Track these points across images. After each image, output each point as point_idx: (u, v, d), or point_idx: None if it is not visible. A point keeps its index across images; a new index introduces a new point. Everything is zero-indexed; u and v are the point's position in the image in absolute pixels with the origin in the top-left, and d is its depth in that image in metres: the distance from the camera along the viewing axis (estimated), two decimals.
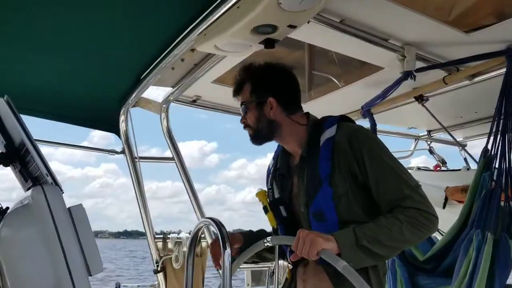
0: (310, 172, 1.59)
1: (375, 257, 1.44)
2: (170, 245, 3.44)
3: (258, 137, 1.70)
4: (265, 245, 1.56)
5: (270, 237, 1.55)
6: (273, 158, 1.84)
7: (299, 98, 1.76)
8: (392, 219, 1.44)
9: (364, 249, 1.40)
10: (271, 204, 1.71)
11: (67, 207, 1.14)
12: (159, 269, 3.36)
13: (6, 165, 1.30)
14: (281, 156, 1.79)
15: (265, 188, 1.78)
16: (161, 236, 3.44)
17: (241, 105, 1.71)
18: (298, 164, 1.67)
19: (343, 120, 1.65)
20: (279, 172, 1.75)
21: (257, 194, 1.75)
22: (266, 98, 1.66)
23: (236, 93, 1.74)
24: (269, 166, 1.87)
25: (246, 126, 1.71)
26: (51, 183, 1.15)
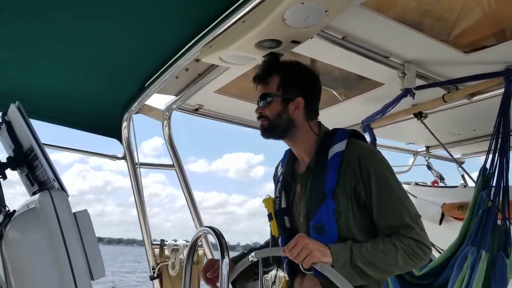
0: (315, 184, 1.56)
1: (366, 278, 1.45)
2: (167, 252, 3.45)
3: (272, 132, 1.66)
4: (250, 260, 1.55)
5: (254, 252, 1.54)
6: (281, 165, 1.81)
7: (318, 106, 1.75)
8: (389, 244, 1.45)
9: (356, 269, 1.42)
10: (276, 212, 1.69)
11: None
12: (155, 275, 3.36)
13: (13, 168, 1.33)
14: (288, 161, 1.76)
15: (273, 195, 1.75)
16: (159, 242, 3.46)
17: (263, 95, 1.66)
18: (304, 174, 1.65)
19: (354, 135, 1.64)
20: (284, 178, 1.73)
21: (264, 201, 1.73)
22: (295, 97, 1.64)
23: (260, 80, 1.68)
24: (276, 172, 1.84)
25: (262, 116, 1.66)
26: (58, 188, 1.17)
